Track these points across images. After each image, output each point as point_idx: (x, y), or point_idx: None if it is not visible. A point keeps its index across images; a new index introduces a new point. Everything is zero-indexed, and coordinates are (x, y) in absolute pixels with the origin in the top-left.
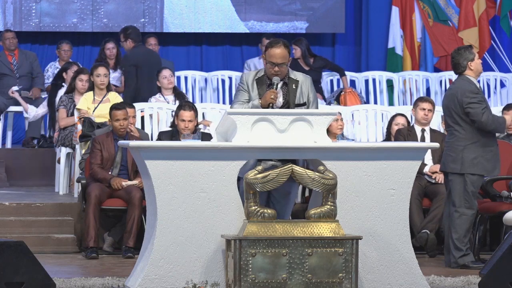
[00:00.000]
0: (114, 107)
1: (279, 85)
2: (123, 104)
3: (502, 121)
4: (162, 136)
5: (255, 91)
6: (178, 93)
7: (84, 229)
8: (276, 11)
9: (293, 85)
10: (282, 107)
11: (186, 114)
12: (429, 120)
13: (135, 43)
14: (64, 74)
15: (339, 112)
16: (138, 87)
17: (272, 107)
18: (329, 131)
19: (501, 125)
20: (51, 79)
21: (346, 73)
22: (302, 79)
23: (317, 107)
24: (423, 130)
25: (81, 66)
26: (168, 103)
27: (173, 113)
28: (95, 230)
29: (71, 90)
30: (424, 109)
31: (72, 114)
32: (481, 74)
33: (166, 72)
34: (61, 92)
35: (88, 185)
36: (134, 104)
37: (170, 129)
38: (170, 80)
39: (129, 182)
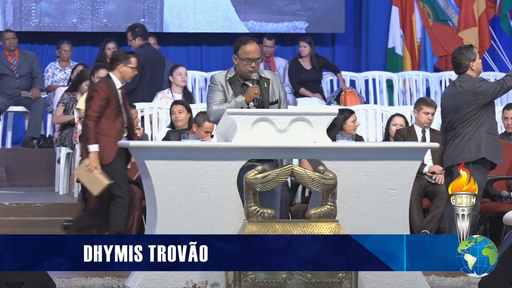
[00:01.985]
0: None
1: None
2: None
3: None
4: (170, 135)
5: (230, 91)
6: (186, 93)
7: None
8: (276, 11)
9: (265, 83)
10: (257, 106)
11: (209, 125)
12: (431, 123)
13: (143, 40)
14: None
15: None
16: (139, 87)
17: (256, 102)
18: (344, 130)
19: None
20: (51, 79)
21: (346, 73)
22: (272, 77)
23: (287, 106)
24: (423, 131)
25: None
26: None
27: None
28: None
29: (74, 88)
30: (427, 113)
31: (73, 113)
32: (481, 74)
33: (182, 70)
34: (62, 91)
35: None
36: (134, 104)
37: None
38: (184, 78)
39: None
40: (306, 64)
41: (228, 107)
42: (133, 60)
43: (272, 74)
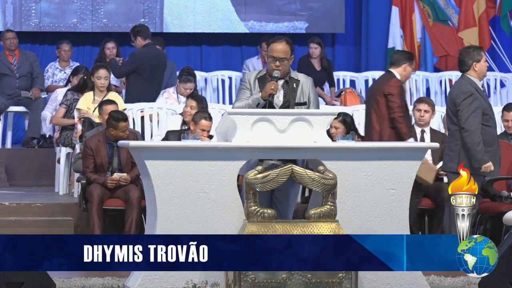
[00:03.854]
0: (122, 119)
1: (280, 83)
2: (125, 115)
3: (480, 157)
4: (170, 135)
5: (257, 89)
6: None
7: (89, 229)
8: (276, 11)
9: (294, 84)
10: (282, 106)
11: (206, 124)
12: (426, 121)
13: (145, 40)
14: (71, 77)
15: (338, 116)
16: (138, 87)
17: (273, 98)
18: None
19: (476, 157)
20: (51, 79)
21: (346, 73)
22: (303, 79)
23: (317, 107)
24: (422, 131)
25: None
26: (179, 103)
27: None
28: (101, 229)
29: (79, 89)
30: (420, 110)
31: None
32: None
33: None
34: (63, 91)
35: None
36: (134, 104)
37: (178, 128)
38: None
39: (120, 174)
40: (316, 65)
41: (246, 104)
42: (413, 62)
43: (304, 77)
